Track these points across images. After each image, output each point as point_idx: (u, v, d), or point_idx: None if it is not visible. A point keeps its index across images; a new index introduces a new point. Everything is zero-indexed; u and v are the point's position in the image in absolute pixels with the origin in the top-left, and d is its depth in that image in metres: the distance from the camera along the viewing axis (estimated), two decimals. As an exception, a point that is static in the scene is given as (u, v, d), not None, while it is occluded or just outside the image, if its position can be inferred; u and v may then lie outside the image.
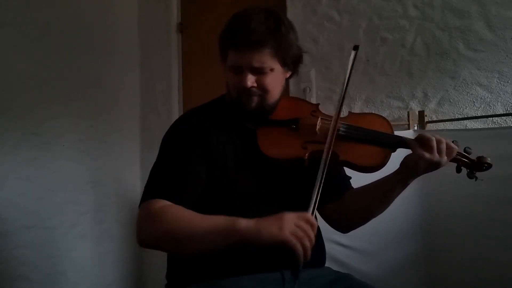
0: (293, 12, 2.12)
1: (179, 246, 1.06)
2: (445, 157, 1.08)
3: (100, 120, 2.42)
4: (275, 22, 1.13)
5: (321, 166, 1.06)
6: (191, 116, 1.25)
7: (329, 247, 1.32)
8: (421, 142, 1.08)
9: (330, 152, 1.09)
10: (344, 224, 1.29)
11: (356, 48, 1.19)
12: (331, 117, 1.20)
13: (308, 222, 0.97)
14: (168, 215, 1.06)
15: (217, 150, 1.17)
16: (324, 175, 1.05)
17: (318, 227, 1.28)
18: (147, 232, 1.09)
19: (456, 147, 1.10)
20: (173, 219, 1.05)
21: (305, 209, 1.01)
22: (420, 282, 1.68)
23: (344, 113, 1.26)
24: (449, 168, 1.14)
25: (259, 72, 1.13)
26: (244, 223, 0.98)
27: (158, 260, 2.28)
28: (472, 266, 1.57)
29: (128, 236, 2.49)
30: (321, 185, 1.04)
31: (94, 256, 2.33)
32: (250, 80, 1.13)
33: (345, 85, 1.16)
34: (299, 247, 0.94)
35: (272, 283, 1.11)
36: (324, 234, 1.28)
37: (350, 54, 1.18)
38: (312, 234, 0.96)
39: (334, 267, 1.27)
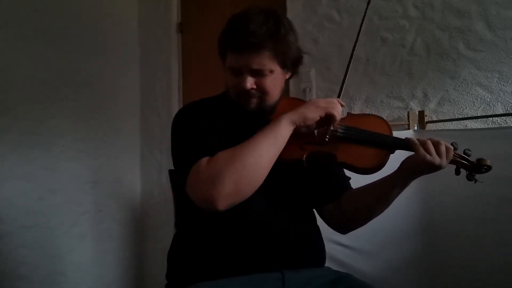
0: (293, 12, 2.12)
1: (252, 172, 1.03)
2: (445, 160, 1.08)
3: (100, 120, 2.42)
4: (275, 24, 1.12)
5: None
6: (196, 105, 1.25)
7: (329, 247, 1.32)
8: (422, 145, 1.08)
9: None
10: (343, 225, 1.29)
11: (369, 2, 1.32)
12: None
13: (332, 99, 1.16)
14: (222, 155, 1.03)
15: (223, 140, 1.16)
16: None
17: (318, 227, 1.28)
18: (216, 183, 1.00)
19: (452, 147, 1.10)
20: (229, 153, 1.03)
21: (303, 210, 1.01)
22: (420, 282, 1.68)
23: (343, 114, 1.26)
24: (449, 168, 1.14)
25: (258, 74, 1.13)
26: (286, 116, 1.10)
27: (158, 260, 2.29)
28: (472, 266, 1.57)
29: (128, 236, 2.49)
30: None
31: (94, 256, 2.33)
32: (249, 82, 1.13)
33: (355, 41, 1.29)
34: (335, 112, 1.13)
35: (272, 283, 1.11)
36: (324, 234, 1.28)
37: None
38: (339, 105, 1.15)
39: (334, 267, 1.26)
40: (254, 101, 1.15)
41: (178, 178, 1.16)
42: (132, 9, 2.69)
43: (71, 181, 2.24)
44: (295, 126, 1.10)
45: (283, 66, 1.16)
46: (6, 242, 1.97)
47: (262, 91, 1.14)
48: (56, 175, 2.17)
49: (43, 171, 2.12)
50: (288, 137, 1.09)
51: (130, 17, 2.68)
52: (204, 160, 1.05)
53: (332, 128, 1.13)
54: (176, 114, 1.23)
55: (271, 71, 1.13)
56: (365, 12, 1.28)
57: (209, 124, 1.15)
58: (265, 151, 1.05)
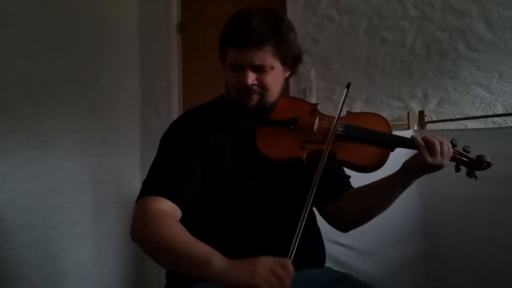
0: (293, 12, 2.12)
1: (156, 255, 1.06)
2: (447, 159, 1.09)
3: (100, 120, 2.41)
4: (276, 21, 1.13)
5: (309, 194, 1.04)
6: (189, 116, 1.25)
7: (329, 247, 1.32)
8: (426, 144, 1.08)
9: (325, 160, 1.09)
10: (343, 224, 1.29)
11: (348, 86, 1.21)
12: (329, 117, 1.20)
13: (285, 268, 0.90)
14: (160, 221, 1.05)
15: (215, 151, 1.17)
16: (311, 202, 1.05)
17: (318, 227, 1.28)
18: (138, 229, 1.09)
19: (451, 145, 1.10)
20: (162, 227, 1.04)
21: (300, 214, 1.01)
22: (420, 282, 1.68)
23: (343, 112, 1.26)
24: (449, 168, 1.15)
25: (260, 70, 1.13)
26: (218, 264, 0.92)
27: (158, 260, 2.29)
28: (472, 266, 1.57)
29: (128, 236, 2.47)
30: (302, 225, 1.00)
31: (94, 256, 2.33)
32: (251, 78, 1.13)
33: (337, 117, 1.15)
34: None
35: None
36: (324, 234, 1.28)
37: (343, 92, 1.20)
38: (289, 283, 0.88)
39: (334, 267, 1.27)
40: (254, 98, 1.16)
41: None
42: (132, 9, 2.69)
43: (71, 181, 2.24)
44: (210, 278, 0.93)
45: (284, 63, 1.17)
46: (6, 242, 1.97)
47: (263, 88, 1.15)
48: (56, 175, 2.17)
49: (43, 171, 2.12)
50: (203, 276, 0.94)
51: (130, 17, 2.67)
52: (152, 203, 1.08)
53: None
54: (168, 128, 1.24)
55: (272, 68, 1.14)
56: (345, 96, 1.19)
57: (196, 146, 1.16)
58: (177, 265, 1.01)
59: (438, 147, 1.07)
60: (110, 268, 2.41)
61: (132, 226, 1.10)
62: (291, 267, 0.91)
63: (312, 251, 1.22)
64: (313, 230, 1.26)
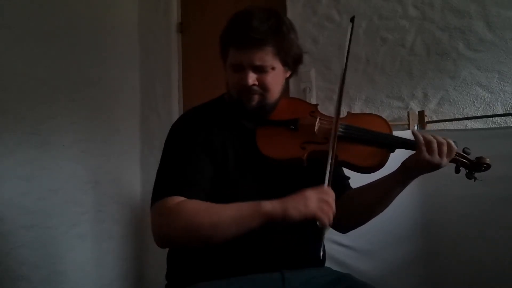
0: (293, 12, 2.12)
1: (203, 236, 1.04)
2: (446, 159, 1.09)
3: (100, 120, 2.42)
4: (277, 21, 1.13)
5: (332, 134, 1.10)
6: (191, 115, 1.25)
7: (329, 247, 1.33)
8: (426, 144, 1.09)
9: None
10: (343, 224, 1.29)
11: (352, 19, 1.22)
12: (329, 117, 1.20)
13: (328, 194, 1.03)
14: (188, 207, 1.04)
15: (218, 150, 1.17)
16: (335, 145, 1.10)
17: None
18: (167, 229, 1.06)
19: (455, 146, 1.11)
20: (193, 211, 1.04)
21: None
22: (420, 282, 1.68)
23: (343, 113, 1.26)
24: (448, 168, 1.15)
25: (261, 70, 1.13)
26: (269, 205, 1.01)
27: (158, 260, 2.29)
28: (472, 266, 1.57)
29: (128, 236, 2.49)
30: (333, 158, 1.09)
31: (94, 256, 2.33)
32: (252, 78, 1.13)
33: (345, 62, 1.18)
34: (326, 219, 1.01)
35: (272, 283, 1.11)
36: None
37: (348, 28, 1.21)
38: (334, 205, 1.02)
39: (334, 267, 1.27)
40: (255, 98, 1.16)
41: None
42: (132, 9, 2.69)
43: (71, 181, 2.24)
44: (269, 221, 1.01)
45: (284, 63, 1.17)
46: (6, 242, 1.97)
47: (263, 88, 1.15)
48: (56, 175, 2.17)
49: (43, 171, 2.12)
50: (257, 227, 1.01)
51: (130, 17, 2.68)
52: (171, 202, 1.06)
53: (320, 230, 1.04)
54: (171, 128, 1.24)
55: (273, 68, 1.14)
56: (351, 33, 1.21)
57: (201, 143, 1.15)
58: (225, 226, 1.03)
59: (435, 145, 1.08)
60: (110, 268, 2.41)
61: (160, 232, 1.07)
62: (331, 191, 1.04)
63: (312, 251, 1.22)
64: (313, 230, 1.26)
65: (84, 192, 2.31)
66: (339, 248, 1.70)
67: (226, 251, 1.12)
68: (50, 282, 2.11)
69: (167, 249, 1.26)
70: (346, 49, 1.19)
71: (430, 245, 1.68)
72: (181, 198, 1.07)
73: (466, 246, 1.59)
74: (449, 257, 1.63)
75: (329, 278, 1.17)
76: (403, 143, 1.15)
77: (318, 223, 1.01)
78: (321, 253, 1.07)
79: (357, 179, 1.28)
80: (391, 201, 1.19)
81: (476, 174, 1.15)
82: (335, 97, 1.98)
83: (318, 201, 1.01)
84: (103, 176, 2.40)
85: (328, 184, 1.06)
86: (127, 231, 2.48)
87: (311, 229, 1.05)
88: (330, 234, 1.36)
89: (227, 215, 1.02)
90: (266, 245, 1.13)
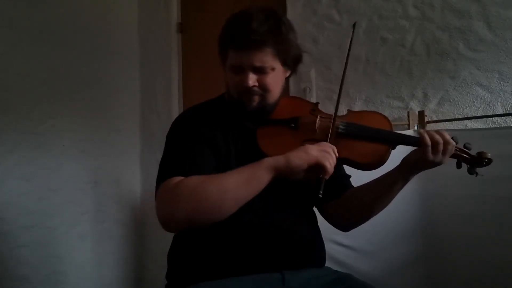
0: (293, 12, 2.12)
1: (212, 207, 1.02)
2: (447, 156, 1.09)
3: (100, 120, 2.42)
4: (276, 22, 1.13)
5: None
6: (194, 111, 1.25)
7: (329, 247, 1.32)
8: (432, 143, 1.09)
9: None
10: (344, 223, 1.29)
11: (354, 25, 1.23)
12: (330, 115, 1.20)
13: (327, 145, 1.07)
14: (191, 180, 1.03)
15: (221, 146, 1.17)
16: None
17: (318, 227, 1.28)
18: (171, 207, 1.03)
19: (454, 142, 1.11)
20: (198, 182, 1.03)
21: (304, 209, 1.02)
22: (420, 282, 1.68)
23: (343, 111, 1.26)
24: (449, 168, 1.15)
25: (260, 71, 1.13)
26: (271, 159, 1.04)
27: (158, 260, 2.29)
28: (472, 266, 1.57)
29: (128, 236, 2.49)
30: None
31: (94, 256, 2.33)
32: (252, 80, 1.13)
33: (345, 64, 1.18)
34: (328, 164, 1.02)
35: (272, 283, 1.11)
36: (324, 234, 1.28)
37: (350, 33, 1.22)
38: (334, 154, 1.05)
39: (334, 267, 1.27)
40: (255, 99, 1.16)
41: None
42: (132, 9, 2.69)
43: (71, 181, 2.24)
44: (275, 174, 1.03)
45: (284, 64, 1.17)
46: (6, 242, 1.97)
47: (264, 89, 1.15)
48: (56, 175, 2.17)
49: (43, 171, 2.12)
50: (265, 183, 1.03)
51: (130, 17, 2.68)
52: (175, 180, 1.05)
53: (321, 179, 1.04)
54: (174, 121, 1.24)
55: (273, 69, 1.14)
56: (352, 35, 1.21)
57: (204, 135, 1.15)
58: (233, 190, 1.02)
59: (441, 146, 1.08)
60: (110, 268, 2.41)
61: (165, 209, 1.04)
62: (332, 145, 1.07)
63: (313, 251, 1.22)
64: (313, 230, 1.26)
65: (84, 192, 2.31)
66: (339, 248, 1.70)
67: (227, 251, 1.12)
68: (50, 282, 2.11)
69: (167, 249, 1.26)
70: (346, 54, 1.20)
71: (430, 245, 1.68)
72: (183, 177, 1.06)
73: (466, 246, 1.59)
74: (449, 257, 1.63)
75: (329, 278, 1.17)
76: (404, 140, 1.15)
77: (320, 174, 1.03)
78: (320, 194, 1.03)
79: (358, 178, 1.28)
80: (392, 198, 1.19)
81: (478, 169, 1.15)
82: (335, 97, 1.98)
83: (319, 150, 1.04)
84: (103, 176, 2.40)
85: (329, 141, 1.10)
86: (127, 231, 2.48)
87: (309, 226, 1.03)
88: (330, 234, 1.36)
89: (233, 178, 1.03)
90: (266, 245, 1.13)
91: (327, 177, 1.04)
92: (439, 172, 1.13)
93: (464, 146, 1.14)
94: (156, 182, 1.10)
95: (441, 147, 1.08)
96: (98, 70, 2.42)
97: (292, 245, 1.16)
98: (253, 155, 1.16)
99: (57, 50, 2.22)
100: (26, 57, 2.08)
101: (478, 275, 1.55)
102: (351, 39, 1.21)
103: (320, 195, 1.03)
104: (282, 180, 1.19)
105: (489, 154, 1.12)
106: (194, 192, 1.01)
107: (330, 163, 1.03)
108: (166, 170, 1.11)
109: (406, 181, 1.15)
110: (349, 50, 1.20)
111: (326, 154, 1.04)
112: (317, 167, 1.03)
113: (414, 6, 1.85)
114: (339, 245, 1.70)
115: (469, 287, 1.58)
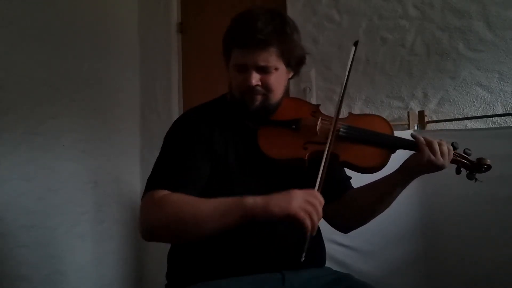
0: (293, 12, 2.12)
1: (185, 230, 1.04)
2: (447, 160, 1.09)
3: (100, 120, 2.41)
4: (281, 22, 1.14)
5: (328, 142, 1.08)
6: (194, 113, 1.25)
7: (329, 247, 1.32)
8: (428, 145, 1.09)
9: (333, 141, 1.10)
10: (345, 224, 1.30)
11: (356, 43, 1.20)
12: (331, 117, 1.20)
13: (315, 197, 0.99)
14: (172, 199, 1.04)
15: (220, 149, 1.17)
16: (329, 152, 1.08)
17: (318, 227, 1.28)
18: (150, 220, 1.06)
19: (452, 148, 1.11)
20: (177, 203, 1.04)
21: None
22: (420, 282, 1.68)
23: (344, 114, 1.26)
24: (449, 169, 1.15)
25: (264, 71, 1.14)
26: (251, 200, 0.99)
27: (158, 260, 2.29)
28: (472, 266, 1.57)
29: (128, 236, 2.49)
30: (327, 163, 1.07)
31: (94, 256, 2.33)
32: (255, 79, 1.13)
33: (345, 81, 1.17)
34: (308, 221, 0.96)
35: (272, 283, 1.11)
36: (324, 234, 1.29)
37: (351, 51, 1.19)
38: (320, 210, 0.98)
39: (334, 267, 1.27)
40: (258, 99, 1.16)
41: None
42: (132, 9, 2.69)
43: (71, 181, 2.24)
44: (250, 217, 0.98)
45: (288, 64, 1.17)
46: (6, 242, 1.97)
47: (266, 88, 1.15)
48: (56, 175, 2.17)
49: (43, 171, 2.12)
50: (237, 223, 0.99)
51: (130, 17, 2.67)
52: (161, 193, 1.06)
53: (304, 235, 0.98)
54: (173, 123, 1.24)
55: (276, 69, 1.14)
56: (353, 56, 1.18)
57: (201, 141, 1.15)
58: (207, 220, 1.02)
59: (437, 146, 1.08)
60: (110, 268, 2.41)
61: (144, 222, 1.07)
62: (320, 196, 1.00)
63: (313, 251, 1.22)
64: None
65: (84, 192, 2.31)
66: (339, 248, 1.70)
67: (227, 251, 1.12)
68: (50, 282, 2.11)
69: (167, 249, 1.26)
70: (347, 72, 1.17)
71: (430, 245, 1.68)
72: (168, 192, 1.07)
73: (466, 246, 1.59)
74: (449, 257, 1.64)
75: (329, 278, 1.17)
76: (404, 144, 1.15)
77: (300, 226, 0.96)
78: (302, 258, 0.98)
79: (358, 179, 1.28)
80: (392, 201, 1.19)
81: (477, 175, 1.15)
82: (335, 97, 1.99)
83: (303, 201, 0.97)
84: (103, 176, 2.39)
85: (319, 189, 1.02)
86: (127, 231, 2.48)
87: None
88: (330, 234, 1.36)
89: (209, 207, 1.01)
90: (266, 246, 1.13)
91: (309, 234, 0.97)
92: (439, 173, 1.13)
93: (464, 152, 1.15)
94: (145, 187, 1.12)
95: (436, 146, 1.08)
96: (98, 70, 2.42)
97: (292, 245, 1.16)
98: (254, 155, 1.17)
99: (57, 50, 2.22)
100: (26, 57, 2.08)
101: (478, 275, 1.55)
102: (353, 58, 1.18)
103: (302, 259, 0.97)
104: (282, 180, 1.19)
105: (488, 161, 1.13)
106: (171, 214, 1.03)
107: (311, 220, 0.96)
108: (156, 179, 1.12)
109: (406, 184, 1.16)
110: (350, 68, 1.18)
111: (310, 208, 0.97)
112: (296, 222, 0.96)
113: (414, 6, 1.85)
114: (339, 245, 1.70)
115: (469, 287, 1.58)
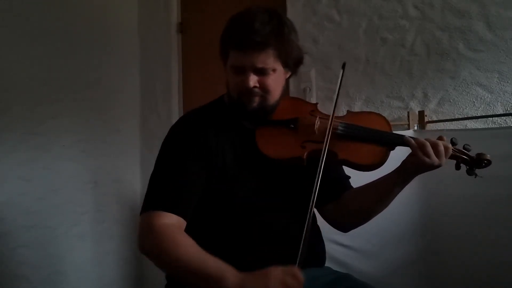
0: (293, 12, 2.12)
1: (169, 269, 1.11)
2: (444, 159, 1.09)
3: (100, 120, 2.42)
4: (279, 23, 1.13)
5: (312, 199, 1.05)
6: (189, 119, 1.25)
7: (329, 247, 1.32)
8: (420, 148, 1.09)
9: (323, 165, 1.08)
10: (344, 224, 1.30)
11: (343, 66, 1.20)
12: (329, 116, 1.20)
13: (295, 277, 0.94)
14: (167, 236, 1.06)
15: (216, 152, 1.17)
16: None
17: (318, 227, 1.28)
18: (146, 246, 1.10)
19: (451, 145, 1.11)
20: (169, 243, 1.05)
21: (304, 209, 1.01)
22: (420, 282, 1.68)
23: (343, 112, 1.26)
24: (449, 168, 1.15)
25: (262, 72, 1.13)
26: (231, 280, 0.96)
27: (158, 260, 2.29)
28: (472, 266, 1.57)
29: (128, 236, 2.49)
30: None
31: (94, 256, 2.33)
32: (253, 80, 1.13)
33: (335, 100, 1.17)
34: None
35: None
36: (324, 234, 1.29)
37: (339, 74, 1.19)
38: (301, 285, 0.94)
39: (334, 267, 1.27)
40: (256, 100, 1.16)
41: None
42: (132, 9, 2.69)
43: (71, 181, 2.24)
44: None
45: (285, 65, 1.17)
46: (6, 242, 1.97)
47: (264, 90, 1.15)
48: (56, 175, 2.17)
49: (43, 171, 2.12)
50: None
51: (130, 17, 2.68)
52: (157, 219, 1.08)
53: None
54: (170, 129, 1.24)
55: (274, 70, 1.14)
56: (342, 77, 1.19)
57: (197, 149, 1.16)
58: (187, 277, 1.04)
59: (429, 148, 1.08)
60: (110, 268, 2.41)
61: (139, 241, 1.11)
62: (300, 275, 0.95)
63: (313, 251, 1.22)
64: (313, 230, 1.26)
65: (84, 192, 2.31)
66: (339, 248, 1.70)
67: (226, 251, 1.11)
68: (50, 282, 2.11)
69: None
70: (336, 93, 1.18)
71: (430, 245, 1.68)
72: (167, 218, 1.08)
73: (466, 245, 1.59)
74: (448, 257, 1.63)
75: (329, 278, 1.17)
76: (402, 141, 1.15)
77: None
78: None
79: (357, 178, 1.28)
80: (391, 200, 1.19)
81: (477, 171, 1.15)
82: (335, 97, 1.98)
83: (281, 284, 0.93)
84: (103, 176, 2.40)
85: (299, 266, 0.97)
86: (127, 231, 2.48)
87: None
88: (330, 234, 1.36)
89: (193, 264, 1.01)
90: (266, 245, 1.13)
91: None
92: (439, 172, 1.13)
93: (464, 148, 1.14)
94: (143, 205, 1.14)
95: (428, 149, 1.07)
96: (98, 70, 2.42)
97: (292, 245, 1.15)
98: (252, 156, 1.16)
99: (57, 50, 2.22)
100: (26, 57, 2.08)
101: (478, 275, 1.55)
102: (341, 79, 1.19)
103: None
104: (282, 179, 1.19)
105: (488, 156, 1.12)
106: (164, 251, 1.05)
107: None
108: (153, 198, 1.14)
109: (405, 183, 1.15)
110: (338, 90, 1.18)
111: None
112: None
113: (414, 6, 1.85)
114: (339, 245, 1.69)
115: (469, 286, 1.58)
